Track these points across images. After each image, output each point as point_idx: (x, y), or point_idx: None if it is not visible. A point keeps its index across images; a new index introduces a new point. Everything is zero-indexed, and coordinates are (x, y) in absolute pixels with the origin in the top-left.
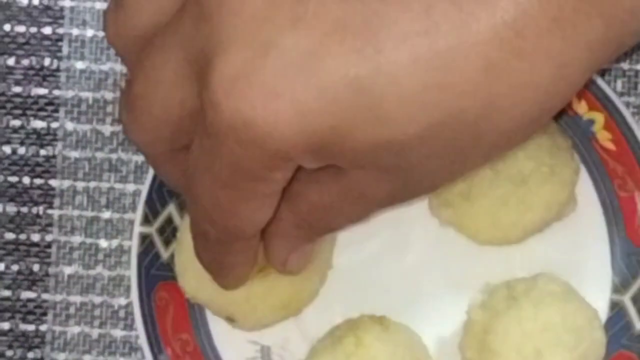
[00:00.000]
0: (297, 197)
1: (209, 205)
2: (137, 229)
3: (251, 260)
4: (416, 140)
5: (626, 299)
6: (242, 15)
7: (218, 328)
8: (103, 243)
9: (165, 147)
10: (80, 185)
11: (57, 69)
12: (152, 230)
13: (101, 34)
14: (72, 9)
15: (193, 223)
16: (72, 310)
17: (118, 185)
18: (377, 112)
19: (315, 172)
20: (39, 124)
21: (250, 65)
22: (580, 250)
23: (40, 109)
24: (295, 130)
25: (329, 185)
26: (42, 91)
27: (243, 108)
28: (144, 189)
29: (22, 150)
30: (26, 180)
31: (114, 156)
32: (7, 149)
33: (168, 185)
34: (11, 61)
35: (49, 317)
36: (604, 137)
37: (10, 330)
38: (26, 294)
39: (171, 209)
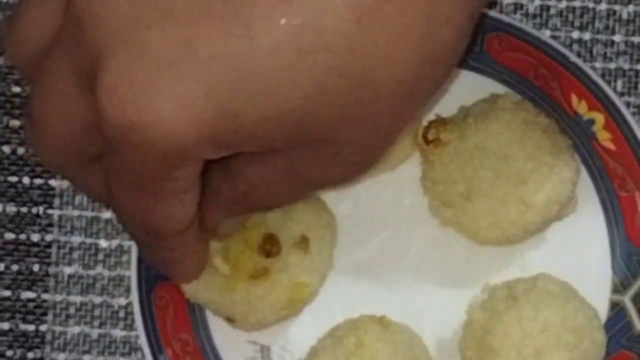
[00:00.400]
0: (236, 176)
1: (127, 210)
2: None
3: (195, 253)
4: (311, 105)
5: (626, 299)
6: (113, 21)
7: (218, 328)
8: (103, 243)
9: (74, 161)
10: None
11: None
12: None
13: None
14: None
15: (125, 229)
16: (72, 310)
17: None
18: (259, 87)
19: (255, 152)
20: None
21: (128, 69)
22: (580, 250)
23: None
24: (183, 123)
25: (269, 167)
26: None
27: (128, 112)
28: None
29: (22, 150)
30: (26, 180)
31: None
32: (6, 149)
33: (91, 198)
34: None
35: (49, 317)
36: (604, 137)
37: (10, 330)
38: (26, 294)
39: None
